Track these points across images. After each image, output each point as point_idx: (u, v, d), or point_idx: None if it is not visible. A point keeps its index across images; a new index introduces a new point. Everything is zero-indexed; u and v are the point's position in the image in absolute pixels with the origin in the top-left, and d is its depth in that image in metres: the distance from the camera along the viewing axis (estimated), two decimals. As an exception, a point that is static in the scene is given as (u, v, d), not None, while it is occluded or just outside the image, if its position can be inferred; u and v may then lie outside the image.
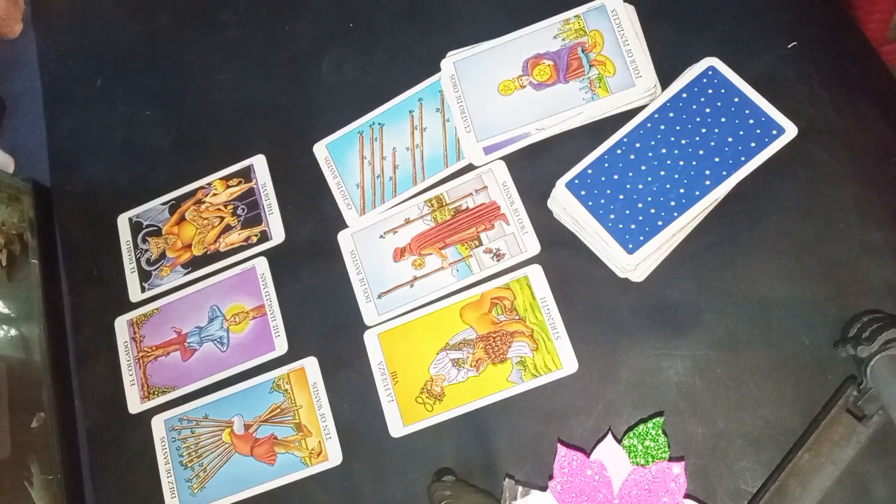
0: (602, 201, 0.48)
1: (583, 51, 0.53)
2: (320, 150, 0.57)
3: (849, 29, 0.53)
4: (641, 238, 0.47)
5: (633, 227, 0.47)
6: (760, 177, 0.49)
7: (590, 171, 0.49)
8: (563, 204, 0.49)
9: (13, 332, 0.56)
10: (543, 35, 0.54)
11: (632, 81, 0.52)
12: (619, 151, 0.49)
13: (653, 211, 0.47)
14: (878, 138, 0.50)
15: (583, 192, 0.49)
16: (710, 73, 0.50)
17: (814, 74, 0.51)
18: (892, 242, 0.47)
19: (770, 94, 0.48)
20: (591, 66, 0.53)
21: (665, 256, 0.49)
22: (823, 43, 0.52)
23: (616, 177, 0.49)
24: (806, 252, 0.48)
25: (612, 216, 0.48)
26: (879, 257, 0.47)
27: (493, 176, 0.54)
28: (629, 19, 0.53)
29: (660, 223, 0.47)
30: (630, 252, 0.47)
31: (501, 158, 0.54)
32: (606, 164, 0.49)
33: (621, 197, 0.48)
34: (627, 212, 0.48)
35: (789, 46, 0.52)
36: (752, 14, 0.53)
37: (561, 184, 0.49)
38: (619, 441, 0.47)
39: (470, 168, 0.54)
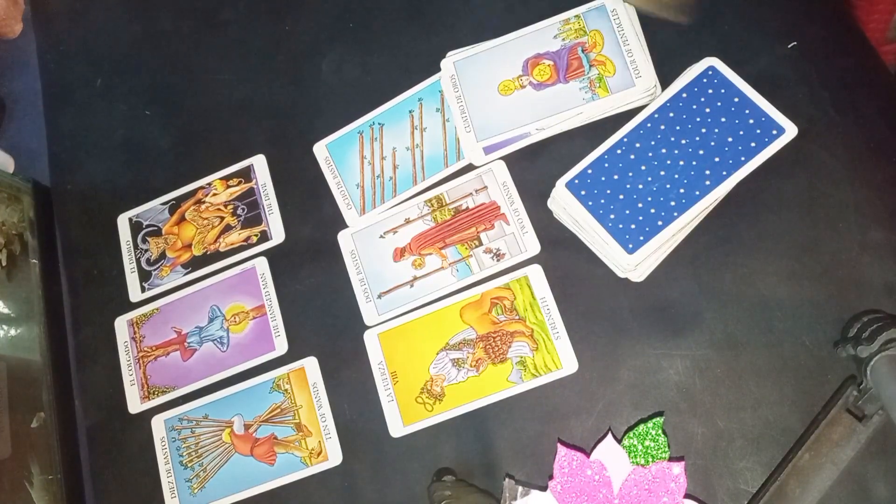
0: (602, 201, 0.48)
1: (583, 51, 0.53)
2: (320, 150, 0.57)
3: (849, 29, 0.53)
4: (641, 238, 0.47)
5: (633, 226, 0.47)
6: (760, 177, 0.49)
7: (590, 171, 0.49)
8: (563, 204, 0.49)
9: (13, 332, 0.56)
10: (543, 35, 0.54)
11: (632, 81, 0.52)
12: (619, 151, 0.49)
13: (653, 211, 0.47)
14: (878, 138, 0.50)
15: (583, 192, 0.49)
16: (710, 72, 0.50)
17: (814, 74, 0.51)
18: (892, 242, 0.48)
19: (770, 94, 0.48)
20: (591, 66, 0.53)
21: (665, 256, 0.49)
22: (823, 43, 0.52)
23: (616, 177, 0.49)
24: (806, 252, 0.48)
25: (612, 216, 0.48)
26: (879, 257, 0.47)
27: (493, 176, 0.54)
28: (629, 19, 0.53)
29: (660, 223, 0.47)
30: (630, 252, 0.47)
31: (501, 158, 0.54)
32: (606, 164, 0.49)
33: (621, 197, 0.48)
34: (627, 212, 0.48)
35: (789, 46, 0.52)
36: (752, 14, 0.53)
37: (561, 184, 0.49)
38: (619, 441, 0.47)
39: (470, 168, 0.54)
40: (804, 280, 0.48)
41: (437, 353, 0.51)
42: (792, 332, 0.47)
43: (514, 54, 0.55)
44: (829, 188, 0.49)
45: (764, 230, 0.49)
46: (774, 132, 0.47)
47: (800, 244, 0.48)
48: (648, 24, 0.54)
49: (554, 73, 0.53)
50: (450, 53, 0.56)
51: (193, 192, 0.59)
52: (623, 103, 0.52)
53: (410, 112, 0.56)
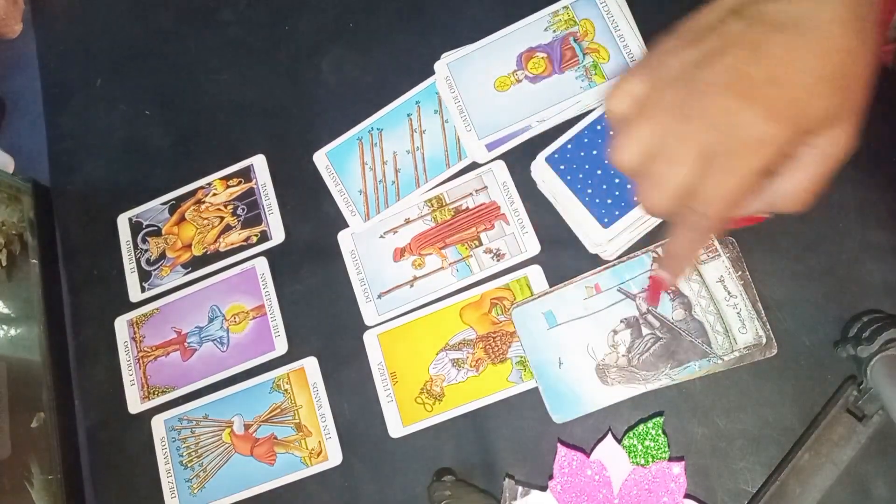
0: (580, 176, 0.49)
1: (575, 40, 0.54)
2: (320, 158, 0.57)
3: (849, 29, 0.53)
4: (617, 213, 0.48)
5: (609, 201, 0.48)
6: (760, 177, 0.49)
7: (569, 147, 0.50)
8: (542, 177, 0.50)
9: (13, 332, 0.56)
10: (534, 28, 0.55)
11: (627, 66, 0.52)
12: (598, 128, 0.50)
13: (629, 186, 0.48)
14: (878, 138, 0.50)
15: (562, 167, 0.50)
16: None
17: (814, 74, 0.51)
18: (892, 242, 0.47)
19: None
20: (584, 54, 0.53)
21: (640, 237, 0.49)
22: (823, 43, 0.52)
23: (595, 152, 0.49)
24: (806, 252, 0.48)
25: (588, 191, 0.49)
26: (879, 257, 0.47)
27: (493, 176, 0.54)
28: (618, 5, 0.54)
29: (635, 199, 0.47)
30: (606, 226, 0.48)
31: (501, 158, 0.54)
32: (586, 140, 0.50)
33: (599, 172, 0.49)
34: (604, 187, 0.48)
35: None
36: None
37: (541, 157, 0.50)
38: (619, 441, 0.46)
39: (471, 168, 0.54)
40: (804, 280, 0.48)
41: (437, 354, 0.51)
42: (792, 332, 0.47)
43: (507, 50, 0.55)
44: (829, 188, 0.49)
45: (764, 230, 0.49)
46: None
47: (800, 244, 0.48)
48: (649, 25, 0.53)
49: (548, 65, 0.54)
50: (443, 55, 0.56)
51: (193, 192, 0.59)
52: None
53: (409, 116, 0.56)
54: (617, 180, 0.48)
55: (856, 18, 0.32)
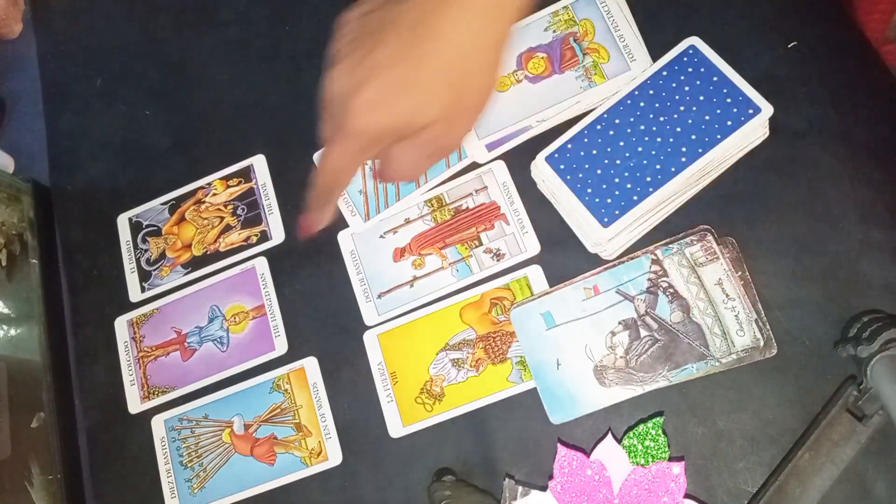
0: (580, 175, 0.49)
1: (575, 40, 0.54)
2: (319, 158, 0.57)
3: (849, 29, 0.53)
4: (617, 212, 0.48)
5: (608, 201, 0.48)
6: (761, 177, 0.49)
7: (569, 146, 0.50)
8: (543, 177, 0.50)
9: (13, 332, 0.56)
10: (534, 29, 0.55)
11: (627, 66, 0.52)
12: (598, 127, 0.50)
13: (629, 186, 0.48)
14: (878, 138, 0.50)
15: (562, 167, 0.50)
16: (690, 51, 0.50)
17: (814, 74, 0.51)
18: (892, 242, 0.47)
19: (770, 94, 0.48)
20: (584, 54, 0.53)
21: (640, 237, 0.49)
22: (823, 43, 0.52)
23: (595, 152, 0.49)
24: (806, 252, 0.48)
25: (588, 190, 0.49)
26: (879, 257, 0.47)
27: (493, 176, 0.54)
28: (618, 5, 0.54)
29: (635, 198, 0.48)
30: (606, 225, 0.48)
31: (501, 158, 0.54)
32: (586, 140, 0.50)
33: (599, 172, 0.49)
34: (604, 186, 0.48)
35: (789, 46, 0.52)
36: (753, 14, 0.53)
37: (541, 157, 0.50)
38: (619, 441, 0.47)
39: (471, 168, 0.54)
40: (804, 280, 0.48)
41: (437, 354, 0.51)
42: (792, 332, 0.47)
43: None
44: (830, 188, 0.49)
45: (764, 230, 0.49)
46: (750, 111, 0.48)
47: (800, 244, 0.48)
48: (648, 27, 0.53)
49: (549, 65, 0.54)
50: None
51: (193, 192, 0.59)
52: (619, 88, 0.52)
53: (410, 112, 0.56)
54: (617, 180, 0.48)
55: (485, 29, 0.35)
